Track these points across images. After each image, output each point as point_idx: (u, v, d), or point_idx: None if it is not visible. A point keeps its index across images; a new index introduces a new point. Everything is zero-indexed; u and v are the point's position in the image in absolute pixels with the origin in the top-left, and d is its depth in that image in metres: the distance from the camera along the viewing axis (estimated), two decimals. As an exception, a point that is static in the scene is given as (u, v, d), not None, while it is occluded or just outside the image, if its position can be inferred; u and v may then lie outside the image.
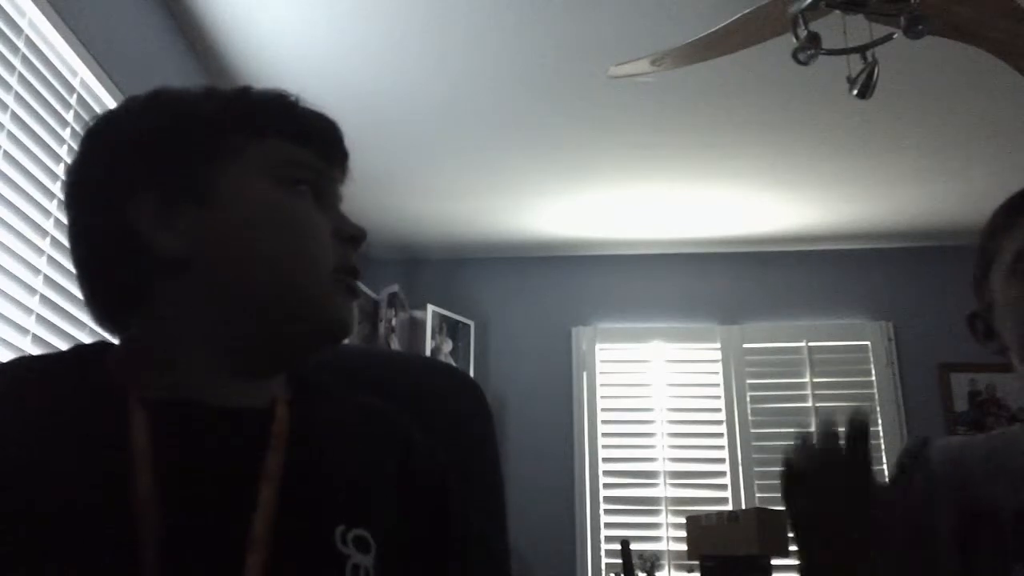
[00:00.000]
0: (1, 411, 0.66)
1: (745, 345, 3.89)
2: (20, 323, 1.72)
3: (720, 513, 2.64)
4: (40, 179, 1.81)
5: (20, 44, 1.75)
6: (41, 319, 1.78)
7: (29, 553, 0.58)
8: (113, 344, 0.74)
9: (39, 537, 0.58)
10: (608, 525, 3.67)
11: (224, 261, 0.69)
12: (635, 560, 3.02)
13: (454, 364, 3.77)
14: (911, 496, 1.08)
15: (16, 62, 1.73)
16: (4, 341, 1.67)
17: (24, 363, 0.76)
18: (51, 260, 1.83)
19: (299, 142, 0.73)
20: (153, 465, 0.61)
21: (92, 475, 0.61)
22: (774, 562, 2.43)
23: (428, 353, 3.70)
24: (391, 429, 0.75)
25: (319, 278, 0.71)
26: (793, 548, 0.88)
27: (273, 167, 0.72)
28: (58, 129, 1.89)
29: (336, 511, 0.65)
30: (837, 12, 1.78)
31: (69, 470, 0.61)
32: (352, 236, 0.75)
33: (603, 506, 3.70)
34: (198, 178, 0.70)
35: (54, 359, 0.74)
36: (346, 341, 0.78)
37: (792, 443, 0.91)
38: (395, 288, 3.82)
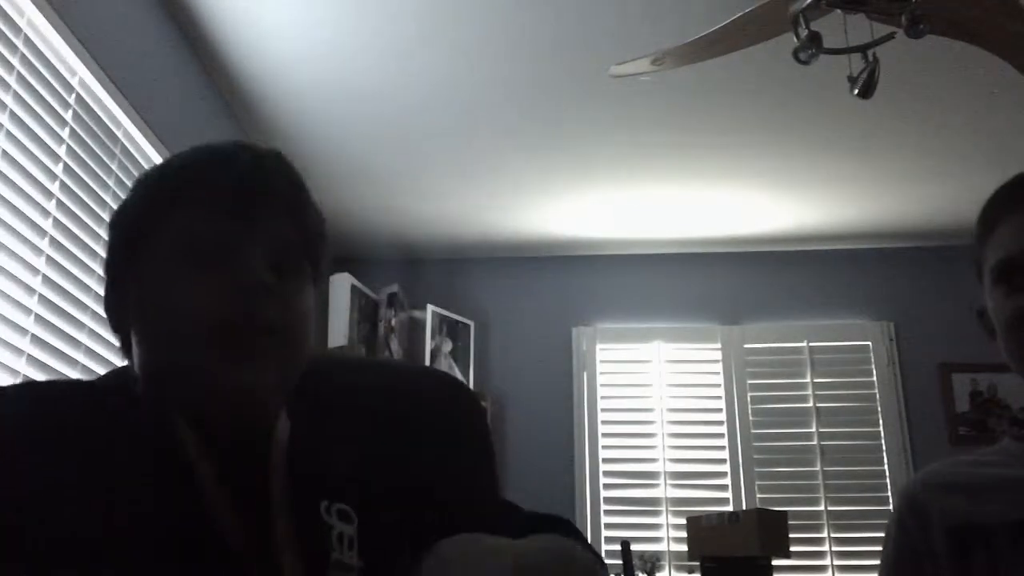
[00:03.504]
0: (56, 434, 0.69)
1: (746, 345, 3.88)
2: (19, 323, 1.72)
3: (721, 514, 2.63)
4: (39, 179, 1.80)
5: (19, 43, 1.75)
6: (40, 319, 1.78)
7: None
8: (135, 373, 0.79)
9: (115, 558, 0.63)
10: (608, 526, 3.67)
11: (136, 338, 0.76)
12: (636, 561, 3.01)
13: (453, 365, 3.77)
14: (906, 538, 1.08)
15: (15, 61, 1.73)
16: (3, 341, 1.67)
17: (69, 383, 0.84)
18: (50, 260, 1.82)
19: (204, 209, 0.74)
20: (218, 480, 0.70)
21: (158, 495, 0.68)
22: (775, 563, 2.43)
23: (428, 353, 3.70)
24: (376, 418, 0.83)
25: (187, 347, 0.70)
26: None
27: (169, 243, 0.74)
28: (57, 129, 1.88)
29: (322, 491, 0.74)
30: (838, 11, 1.78)
31: (134, 492, 0.67)
32: (236, 287, 0.71)
33: (603, 507, 3.69)
34: (126, 262, 0.77)
35: (88, 383, 0.81)
36: (344, 347, 0.80)
37: None
38: (395, 288, 3.82)
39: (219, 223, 0.73)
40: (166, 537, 0.66)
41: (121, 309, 0.78)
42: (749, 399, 3.80)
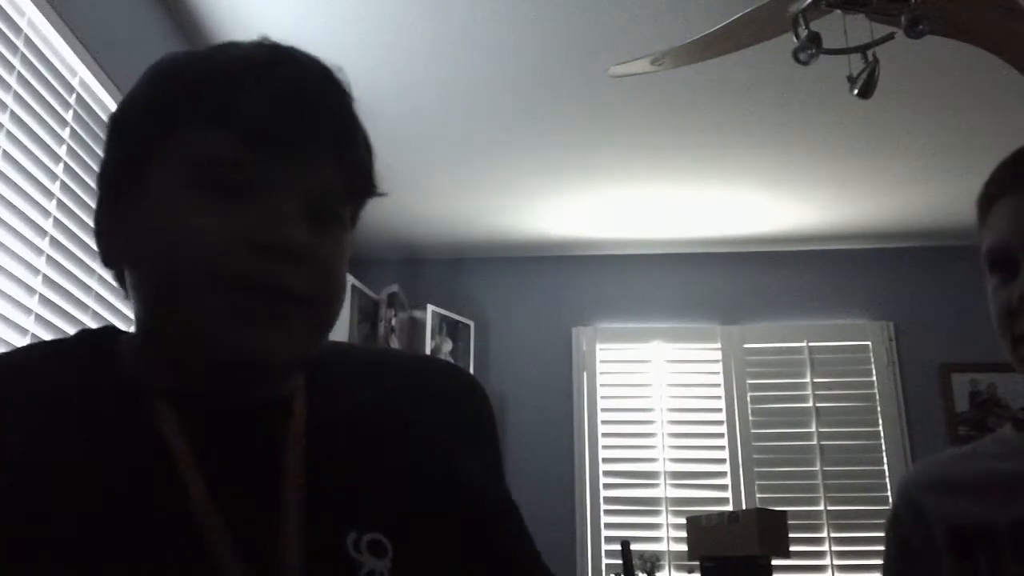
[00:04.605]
0: (19, 402, 0.61)
1: (745, 345, 3.88)
2: (19, 323, 1.72)
3: (720, 513, 2.63)
4: (39, 179, 1.81)
5: (19, 44, 1.75)
6: (40, 319, 1.78)
7: (68, 553, 0.54)
8: (122, 331, 0.69)
9: (74, 531, 0.55)
10: (608, 525, 3.67)
11: (133, 274, 0.64)
12: (635, 560, 3.01)
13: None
14: (904, 534, 1.06)
15: (15, 62, 1.73)
16: (3, 341, 1.67)
17: (33, 353, 0.69)
18: (50, 260, 1.82)
19: (227, 130, 0.60)
20: (196, 468, 0.59)
21: (129, 478, 0.58)
22: (774, 562, 2.43)
23: (428, 353, 3.70)
24: (403, 418, 0.71)
25: (195, 298, 0.59)
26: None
27: (187, 164, 0.61)
28: (57, 129, 1.88)
29: (348, 517, 0.62)
30: (838, 12, 1.78)
31: (100, 472, 0.57)
32: (262, 245, 0.59)
33: (603, 506, 3.69)
34: (129, 179, 0.64)
35: (60, 347, 0.68)
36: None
37: None
38: (395, 288, 3.82)
39: (247, 152, 0.60)
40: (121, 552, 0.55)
41: (114, 238, 0.65)
42: (749, 399, 3.80)
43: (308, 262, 0.60)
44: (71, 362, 0.65)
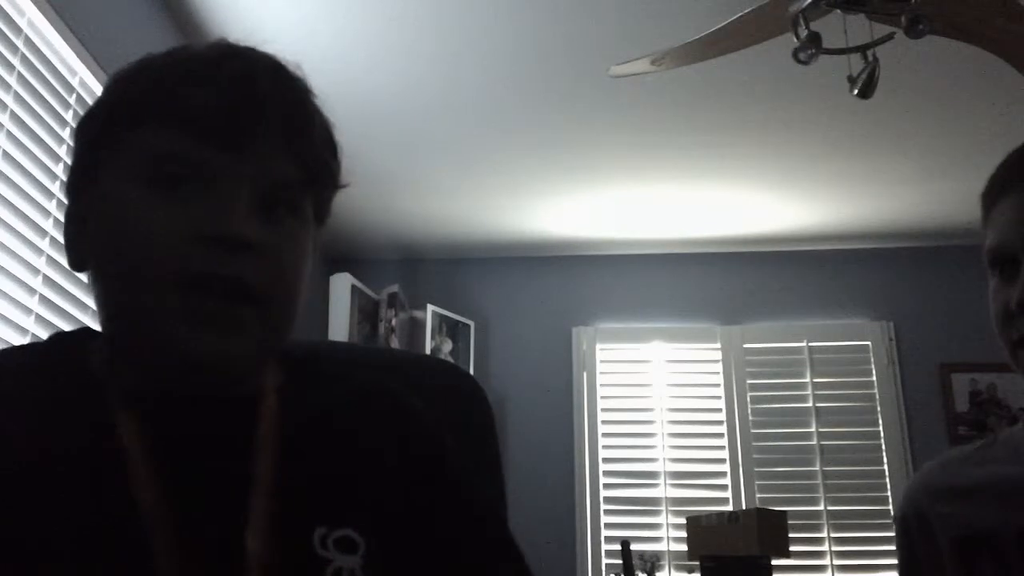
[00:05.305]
0: None
1: (745, 345, 3.88)
2: (19, 323, 1.72)
3: (720, 513, 2.63)
4: (39, 179, 1.81)
5: (19, 44, 1.75)
6: (40, 319, 1.78)
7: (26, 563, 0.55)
8: (95, 332, 0.70)
9: (32, 545, 0.55)
10: (608, 525, 3.67)
11: (93, 276, 0.65)
12: (635, 560, 3.01)
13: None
14: (908, 541, 1.05)
15: (16, 62, 1.73)
16: (3, 341, 1.67)
17: (4, 359, 0.70)
18: (50, 260, 1.82)
19: (178, 128, 0.61)
20: (152, 471, 0.59)
21: (86, 481, 0.58)
22: (774, 562, 2.43)
23: (428, 353, 3.70)
24: (388, 407, 0.71)
25: (151, 300, 0.59)
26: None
27: (138, 164, 0.61)
28: (57, 129, 1.88)
29: (317, 514, 0.61)
30: (838, 11, 1.78)
31: (59, 475, 0.58)
32: (211, 237, 0.59)
33: (603, 506, 3.70)
34: (88, 183, 0.65)
35: (33, 351, 0.69)
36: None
37: None
38: (395, 288, 3.82)
39: (196, 150, 0.60)
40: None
41: (79, 241, 0.66)
42: (749, 399, 3.80)
43: (260, 254, 0.60)
44: (41, 366, 0.66)
